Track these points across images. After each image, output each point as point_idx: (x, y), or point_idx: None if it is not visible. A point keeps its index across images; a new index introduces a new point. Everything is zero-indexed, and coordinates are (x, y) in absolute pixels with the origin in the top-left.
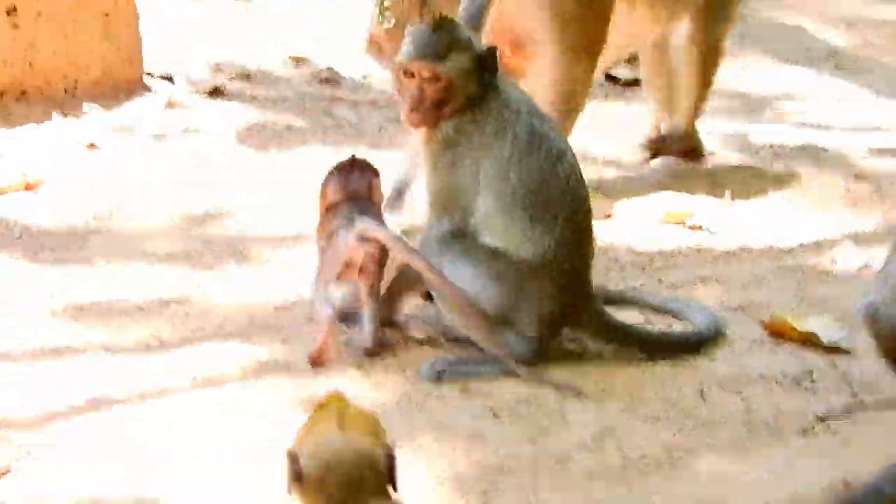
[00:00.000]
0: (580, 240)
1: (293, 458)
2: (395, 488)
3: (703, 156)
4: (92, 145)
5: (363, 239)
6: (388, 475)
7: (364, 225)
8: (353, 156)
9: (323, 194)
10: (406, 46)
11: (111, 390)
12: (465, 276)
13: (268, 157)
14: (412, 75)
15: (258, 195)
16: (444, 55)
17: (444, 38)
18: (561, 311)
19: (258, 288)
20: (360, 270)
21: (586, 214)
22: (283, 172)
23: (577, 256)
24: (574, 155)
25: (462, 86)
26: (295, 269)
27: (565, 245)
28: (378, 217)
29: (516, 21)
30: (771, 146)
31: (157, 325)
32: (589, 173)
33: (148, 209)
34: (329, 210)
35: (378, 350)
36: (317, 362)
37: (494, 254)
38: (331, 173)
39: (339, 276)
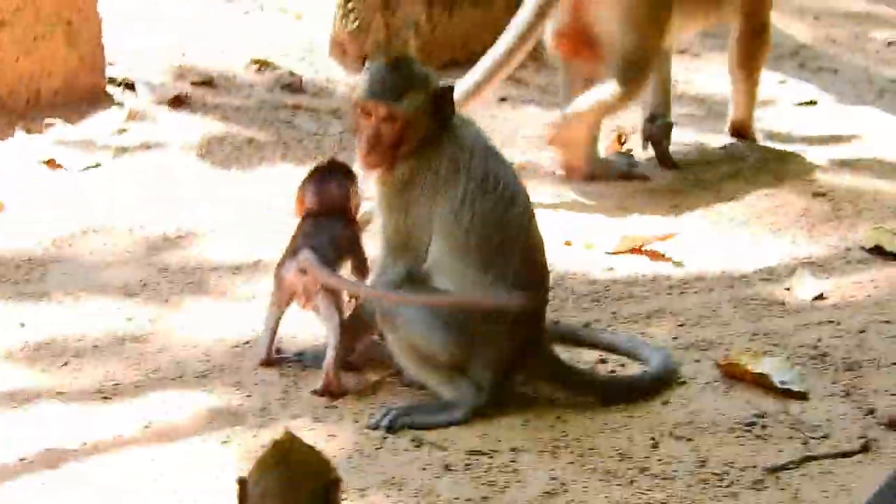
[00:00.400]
0: (534, 286)
1: (242, 484)
2: None
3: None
4: (53, 162)
5: (302, 271)
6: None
7: (304, 258)
8: (332, 159)
9: (299, 200)
10: (362, 84)
11: (65, 441)
12: (417, 323)
13: (228, 175)
14: (370, 113)
15: (218, 215)
16: (400, 95)
17: (401, 77)
18: (514, 357)
19: (214, 324)
20: (305, 299)
21: (541, 260)
22: (244, 190)
23: (534, 299)
24: (528, 197)
25: (418, 125)
26: (252, 300)
27: (519, 291)
28: (335, 241)
29: (587, 16)
30: (731, 158)
31: (113, 368)
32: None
33: (108, 233)
34: (304, 218)
35: (330, 391)
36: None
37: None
38: (307, 178)
39: (282, 304)
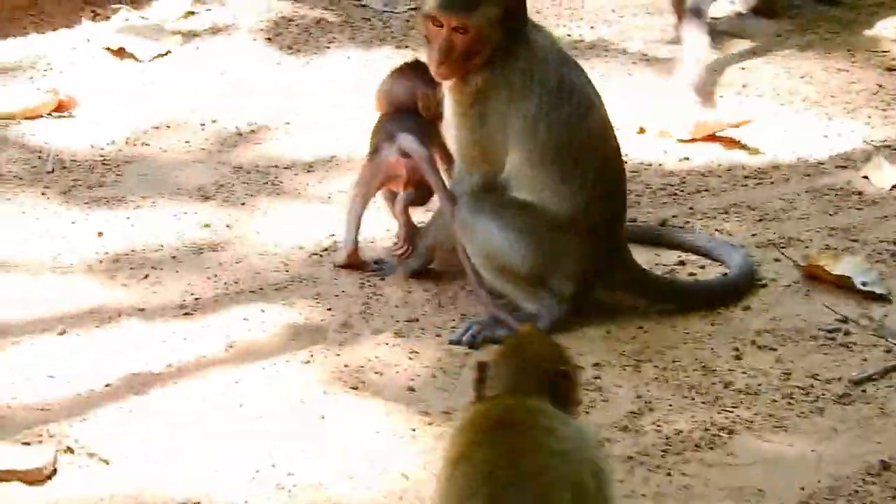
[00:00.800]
0: (612, 195)
1: (481, 367)
2: (560, 403)
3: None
4: (123, 51)
5: (404, 154)
6: (556, 388)
7: (405, 141)
8: (416, 60)
9: (379, 99)
10: None
11: (148, 363)
12: (495, 233)
13: (297, 60)
14: (440, 25)
15: (288, 106)
16: (472, 5)
17: None
18: (594, 267)
19: (291, 229)
20: (406, 183)
21: (618, 168)
22: (313, 77)
23: (609, 212)
24: (604, 106)
25: (490, 37)
26: (327, 201)
27: (597, 201)
28: (424, 131)
29: None
30: (801, 29)
31: (192, 280)
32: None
33: (181, 129)
34: (385, 114)
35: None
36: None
37: (525, 210)
38: (388, 78)
39: (370, 194)
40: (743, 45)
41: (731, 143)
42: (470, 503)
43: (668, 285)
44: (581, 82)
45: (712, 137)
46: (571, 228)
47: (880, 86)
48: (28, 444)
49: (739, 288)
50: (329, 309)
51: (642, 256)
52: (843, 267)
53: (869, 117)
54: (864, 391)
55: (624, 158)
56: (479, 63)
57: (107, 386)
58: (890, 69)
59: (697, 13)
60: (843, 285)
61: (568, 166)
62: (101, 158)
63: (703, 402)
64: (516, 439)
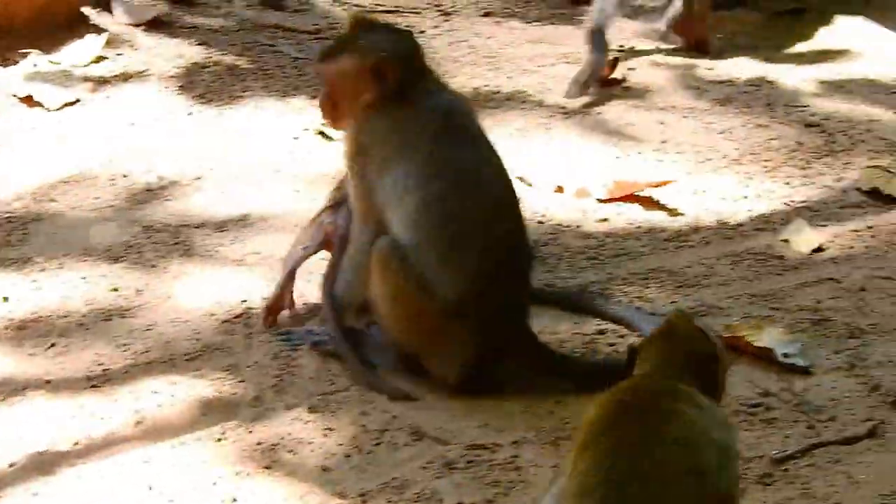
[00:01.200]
0: (504, 279)
1: (632, 352)
2: (706, 387)
3: (709, 52)
4: (31, 99)
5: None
6: (704, 373)
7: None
8: None
9: None
10: None
11: (55, 441)
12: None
13: (209, 110)
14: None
15: (200, 160)
16: (331, 57)
17: (344, 41)
18: (483, 355)
19: (202, 294)
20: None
21: (513, 248)
22: (225, 128)
23: (500, 299)
24: (504, 179)
25: (353, 91)
26: (240, 264)
27: (484, 287)
28: None
29: None
30: (721, 83)
31: (101, 349)
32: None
33: (90, 183)
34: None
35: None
36: (270, 311)
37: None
38: None
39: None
40: (661, 97)
41: (651, 203)
42: (587, 499)
43: (573, 364)
44: (464, 157)
45: (632, 197)
46: (456, 314)
47: (800, 143)
48: None
49: None
50: (241, 381)
51: (562, 325)
52: (764, 338)
53: (789, 177)
54: (785, 470)
55: (542, 218)
56: (351, 115)
57: (11, 466)
58: (809, 125)
59: (600, 31)
60: (764, 357)
61: (443, 248)
62: (8, 216)
63: None
64: (639, 429)
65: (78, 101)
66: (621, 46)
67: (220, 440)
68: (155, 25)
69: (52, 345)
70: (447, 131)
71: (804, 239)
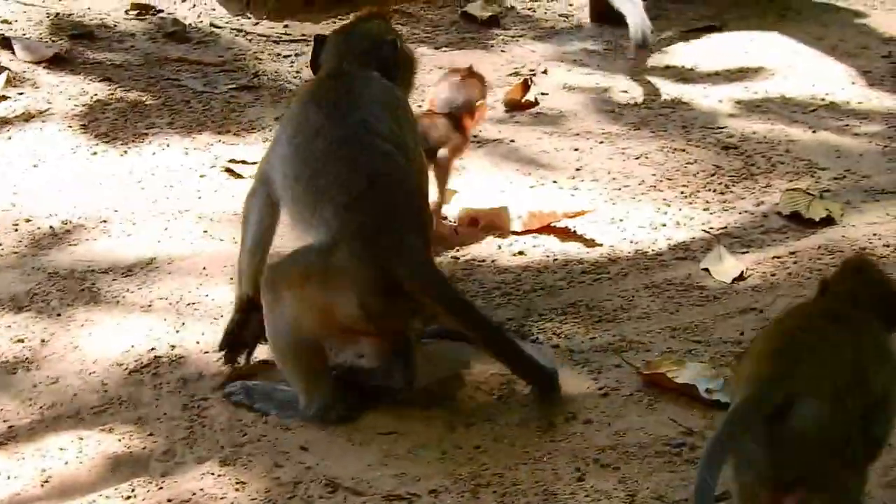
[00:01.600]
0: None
1: (823, 284)
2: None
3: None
4: None
5: None
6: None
7: None
8: (471, 69)
9: (431, 101)
10: None
11: None
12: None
13: (114, 149)
14: None
15: (105, 201)
16: None
17: None
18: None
19: (109, 343)
20: None
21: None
22: (131, 167)
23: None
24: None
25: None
26: (147, 311)
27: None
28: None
29: None
30: (635, 105)
31: (4, 404)
32: None
33: None
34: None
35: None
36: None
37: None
38: (448, 82)
39: None
40: (576, 122)
41: (567, 234)
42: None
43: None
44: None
45: (548, 228)
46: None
47: (718, 166)
48: None
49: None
50: (151, 434)
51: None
52: (686, 373)
53: (707, 202)
54: None
55: (455, 252)
56: None
57: None
58: (727, 147)
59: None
60: (687, 393)
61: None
62: None
63: None
64: (816, 333)
65: None
66: (532, 70)
67: (129, 498)
68: (56, 62)
69: None
70: (317, 100)
71: (725, 268)
